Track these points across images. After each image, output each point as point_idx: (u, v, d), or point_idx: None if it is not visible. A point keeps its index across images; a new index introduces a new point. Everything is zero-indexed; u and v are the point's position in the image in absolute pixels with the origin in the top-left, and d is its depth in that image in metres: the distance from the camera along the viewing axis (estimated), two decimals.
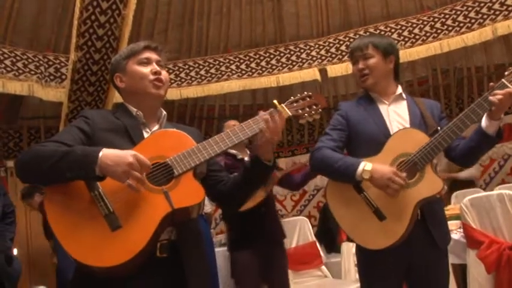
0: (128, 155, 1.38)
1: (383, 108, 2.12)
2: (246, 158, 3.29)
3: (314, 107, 1.70)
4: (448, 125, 1.90)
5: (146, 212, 1.42)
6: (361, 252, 2.05)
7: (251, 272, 3.17)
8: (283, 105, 1.66)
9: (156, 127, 1.72)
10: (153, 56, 1.74)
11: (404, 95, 2.19)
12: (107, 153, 1.38)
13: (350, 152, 2.12)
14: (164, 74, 1.73)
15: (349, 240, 2.05)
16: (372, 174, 1.87)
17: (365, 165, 1.90)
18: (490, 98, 1.84)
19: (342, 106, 2.19)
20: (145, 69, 1.70)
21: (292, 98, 1.72)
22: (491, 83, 1.93)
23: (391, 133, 2.02)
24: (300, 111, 1.69)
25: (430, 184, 1.89)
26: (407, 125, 2.05)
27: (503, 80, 1.89)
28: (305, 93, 1.73)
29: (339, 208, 2.01)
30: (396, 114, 2.11)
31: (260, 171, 1.64)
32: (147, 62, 1.72)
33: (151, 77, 1.69)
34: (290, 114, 1.65)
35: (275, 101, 1.66)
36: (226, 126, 3.41)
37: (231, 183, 1.69)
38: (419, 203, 1.88)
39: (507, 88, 1.85)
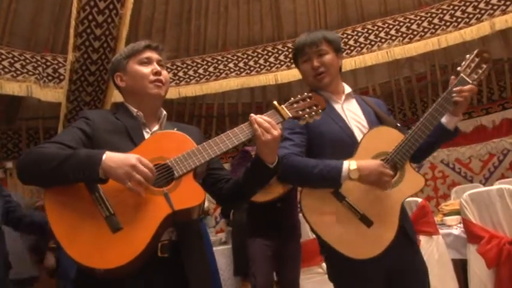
0: (131, 157, 1.38)
1: (338, 107, 1.99)
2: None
3: (314, 107, 1.67)
4: (420, 121, 1.84)
5: (147, 213, 1.42)
6: (335, 262, 1.87)
7: (264, 259, 3.25)
8: (283, 106, 1.65)
9: (156, 127, 1.72)
10: (154, 55, 1.73)
11: (353, 94, 2.07)
12: (110, 156, 1.39)
13: (311, 156, 1.91)
14: (164, 74, 1.73)
15: (327, 252, 1.85)
16: (360, 172, 1.75)
17: (349, 165, 1.76)
18: (455, 99, 1.83)
19: None
20: (146, 69, 1.70)
21: (292, 98, 1.70)
22: (452, 77, 1.90)
23: (354, 133, 1.91)
24: (300, 112, 1.66)
25: (412, 182, 1.83)
26: (365, 124, 1.95)
27: (461, 75, 1.88)
28: (305, 94, 1.71)
29: (321, 222, 1.80)
30: (351, 112, 1.99)
31: (261, 173, 1.62)
32: (148, 61, 1.72)
33: (152, 77, 1.69)
34: (290, 115, 1.64)
35: (275, 102, 1.66)
36: None
37: (232, 183, 1.68)
38: (403, 202, 1.82)
39: (468, 84, 1.85)
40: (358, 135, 1.90)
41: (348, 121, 1.95)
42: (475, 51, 1.91)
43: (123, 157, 1.39)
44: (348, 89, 2.06)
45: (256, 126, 1.55)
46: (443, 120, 1.89)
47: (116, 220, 1.40)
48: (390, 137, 1.85)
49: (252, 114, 1.59)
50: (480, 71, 1.88)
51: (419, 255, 1.94)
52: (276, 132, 1.54)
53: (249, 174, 1.64)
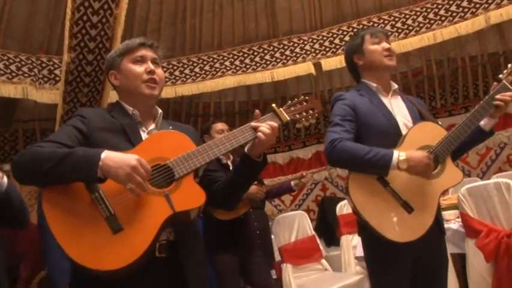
0: (131, 158, 1.37)
1: (386, 101, 2.13)
2: (229, 162, 3.42)
3: (310, 111, 1.75)
4: (464, 120, 1.98)
5: (147, 214, 1.42)
6: (371, 245, 2.01)
7: (232, 271, 3.26)
8: (281, 109, 1.69)
9: (152, 126, 1.72)
10: (148, 53, 1.72)
11: (398, 91, 2.21)
12: (109, 155, 1.38)
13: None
14: (159, 73, 1.72)
15: (366, 233, 1.98)
16: (409, 163, 1.85)
17: (399, 155, 1.87)
18: (497, 103, 1.98)
19: (347, 96, 2.13)
20: (140, 68, 1.68)
21: (289, 102, 1.75)
22: (495, 83, 2.05)
23: (400, 127, 2.03)
24: (298, 115, 1.73)
25: (451, 175, 1.97)
26: (409, 119, 2.08)
27: (504, 81, 2.04)
28: (302, 97, 1.77)
29: (365, 204, 1.91)
30: (397, 108, 2.12)
31: (251, 168, 1.65)
32: (142, 60, 1.70)
33: (145, 76, 1.67)
34: (288, 118, 1.68)
35: (273, 105, 1.69)
36: (214, 128, 3.55)
37: (224, 183, 1.69)
38: (442, 194, 1.95)
39: (509, 90, 2.01)
40: (403, 129, 2.03)
41: (394, 115, 2.08)
42: None
43: (123, 157, 1.38)
44: (394, 85, 2.20)
45: (260, 134, 1.58)
46: (481, 122, 2.04)
47: (116, 221, 1.39)
48: (434, 132, 2.00)
49: (256, 111, 1.65)
50: None
51: (445, 246, 2.07)
52: (275, 137, 1.61)
53: (241, 172, 1.65)
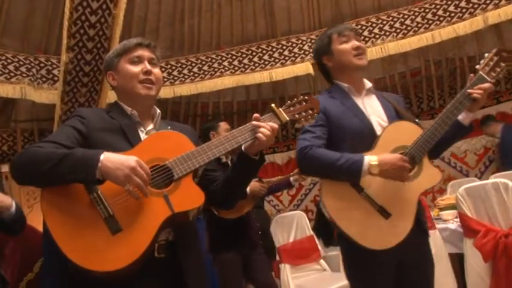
0: (130, 159, 1.37)
1: (358, 101, 2.04)
2: (229, 161, 3.43)
3: (310, 111, 1.74)
4: (439, 116, 1.89)
5: (146, 215, 1.41)
6: (350, 253, 1.92)
7: (236, 270, 3.29)
8: (280, 109, 1.69)
9: (150, 126, 1.72)
10: (145, 53, 1.72)
11: (373, 89, 2.12)
12: (108, 157, 1.37)
13: (331, 148, 1.94)
14: (156, 73, 1.71)
15: (344, 242, 1.90)
16: (381, 167, 1.79)
17: (370, 160, 1.80)
18: (474, 95, 1.88)
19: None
20: (136, 69, 1.68)
21: (288, 102, 1.74)
22: (471, 74, 1.96)
23: (374, 127, 1.95)
24: (297, 115, 1.72)
25: (429, 175, 1.89)
26: (385, 118, 2.00)
27: (480, 72, 1.93)
28: (301, 97, 1.76)
29: (340, 212, 1.85)
30: (371, 107, 2.04)
31: (248, 166, 1.66)
32: (139, 60, 1.70)
33: (142, 76, 1.67)
34: (288, 118, 1.68)
35: (273, 105, 1.69)
36: (222, 127, 3.59)
37: (223, 183, 1.69)
38: (420, 195, 1.88)
39: (487, 82, 1.90)
40: (378, 129, 1.95)
41: (368, 115, 1.99)
42: (494, 50, 1.95)
43: (122, 159, 1.37)
44: (368, 84, 2.12)
45: (260, 134, 1.57)
46: (460, 116, 1.94)
47: (115, 221, 1.39)
48: (409, 132, 1.91)
49: (256, 114, 1.63)
50: (498, 70, 1.93)
51: (429, 247, 1.98)
52: (274, 137, 1.61)
53: (238, 170, 1.65)
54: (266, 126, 1.60)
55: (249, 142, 1.61)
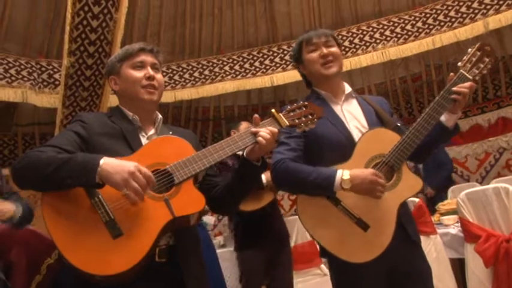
0: (130, 164, 1.37)
1: (337, 108, 1.96)
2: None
3: (310, 116, 1.72)
4: (417, 121, 1.79)
5: (147, 219, 1.41)
6: (339, 267, 1.84)
7: (256, 270, 3.25)
8: (280, 114, 1.68)
9: (152, 131, 1.72)
10: (148, 58, 1.71)
11: (353, 94, 2.04)
12: (108, 161, 1.38)
13: (310, 159, 1.88)
14: (159, 78, 1.72)
15: (327, 256, 1.83)
16: (353, 182, 1.71)
17: (342, 174, 1.72)
18: (454, 96, 1.77)
19: None
20: (139, 74, 1.68)
21: (288, 107, 1.74)
22: (451, 73, 1.84)
23: (352, 135, 1.87)
24: (297, 120, 1.70)
25: (409, 184, 1.79)
26: (365, 124, 1.91)
27: (461, 71, 1.81)
28: (301, 102, 1.76)
29: (317, 227, 1.78)
30: (350, 114, 1.96)
31: (250, 172, 1.65)
32: (141, 65, 1.69)
33: (144, 82, 1.67)
34: (288, 124, 1.67)
35: (273, 110, 1.68)
36: (243, 125, 3.59)
37: (223, 188, 1.69)
38: (401, 205, 1.78)
39: (468, 80, 1.79)
40: (357, 137, 1.87)
41: (346, 123, 1.92)
42: (477, 45, 1.84)
43: (122, 163, 1.38)
44: (348, 88, 2.03)
45: (260, 138, 1.57)
46: (442, 118, 1.83)
47: (116, 225, 1.39)
48: (386, 139, 1.81)
49: (255, 116, 1.63)
50: (482, 65, 1.82)
51: (421, 256, 1.90)
52: (275, 141, 1.61)
53: (240, 176, 1.65)
54: (266, 130, 1.60)
55: (250, 146, 1.61)
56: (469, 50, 1.84)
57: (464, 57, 1.83)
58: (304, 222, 1.80)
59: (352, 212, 1.76)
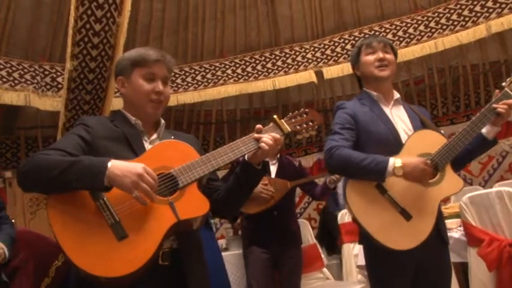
0: (138, 166, 1.38)
1: (387, 110, 2.14)
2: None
3: (310, 123, 1.78)
4: (465, 127, 1.98)
5: (152, 222, 1.43)
6: (372, 252, 2.01)
7: (262, 268, 3.28)
8: (282, 120, 1.73)
9: (154, 136, 1.72)
10: (161, 72, 1.69)
11: (401, 101, 2.22)
12: (115, 164, 1.38)
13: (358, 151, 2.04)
14: (166, 92, 1.71)
15: (366, 241, 1.98)
16: (404, 169, 1.86)
17: (395, 162, 1.87)
18: (498, 110, 1.96)
19: (348, 105, 2.15)
20: (149, 86, 1.67)
21: (290, 113, 1.79)
22: (497, 90, 2.03)
23: (400, 136, 2.04)
24: (298, 127, 1.76)
25: (451, 183, 1.96)
26: (411, 128, 2.09)
27: (506, 89, 2.01)
28: (302, 109, 1.81)
29: (363, 212, 1.93)
30: (398, 117, 2.13)
31: (251, 176, 1.67)
32: (153, 78, 1.68)
33: (153, 96, 1.67)
34: (290, 130, 1.72)
35: (275, 116, 1.73)
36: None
37: (224, 192, 1.70)
38: (442, 201, 1.95)
39: (509, 95, 1.98)
40: (403, 138, 2.04)
41: (394, 123, 2.09)
42: None
43: (129, 166, 1.38)
44: (396, 95, 2.20)
45: (263, 144, 1.60)
46: (484, 130, 2.02)
47: (121, 228, 1.40)
48: (434, 140, 1.99)
49: (258, 126, 1.66)
50: None
51: (448, 257, 2.07)
52: (279, 147, 1.64)
53: (240, 180, 1.66)
54: (268, 137, 1.61)
55: (252, 151, 1.62)
56: None
57: (508, 79, 2.06)
58: (352, 207, 1.94)
59: (398, 202, 1.90)
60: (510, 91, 2.01)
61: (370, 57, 2.14)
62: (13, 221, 3.03)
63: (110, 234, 1.39)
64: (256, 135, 1.63)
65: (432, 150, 1.95)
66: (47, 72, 5.32)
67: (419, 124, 2.13)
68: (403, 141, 2.02)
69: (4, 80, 5.00)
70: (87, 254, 1.36)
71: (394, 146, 1.99)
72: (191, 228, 1.54)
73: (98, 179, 1.36)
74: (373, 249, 1.97)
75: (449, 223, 3.26)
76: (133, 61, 1.69)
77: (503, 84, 2.05)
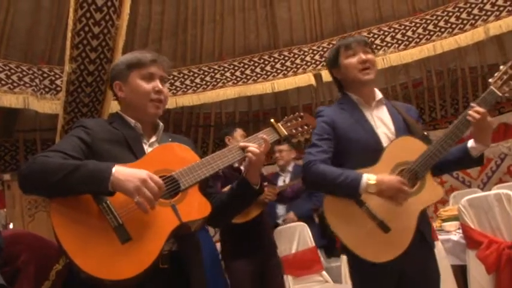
0: (142, 172, 1.38)
1: (367, 114, 2.04)
2: (242, 167, 3.39)
3: (305, 127, 1.80)
4: (445, 133, 1.86)
5: (155, 224, 1.43)
6: (357, 264, 1.93)
7: (247, 280, 3.26)
8: (279, 124, 1.74)
9: (153, 138, 1.72)
10: (158, 71, 1.70)
11: (384, 100, 2.11)
12: (120, 169, 1.39)
13: (339, 161, 1.96)
14: (166, 92, 1.72)
15: (347, 253, 1.93)
16: (378, 187, 1.80)
17: (368, 179, 1.81)
18: (467, 117, 1.81)
19: (326, 112, 2.05)
20: (148, 86, 1.67)
21: (286, 117, 1.80)
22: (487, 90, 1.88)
23: (381, 141, 1.96)
24: (294, 130, 1.78)
25: (431, 192, 1.89)
26: (393, 131, 1.99)
27: (491, 87, 1.84)
28: (297, 113, 1.83)
29: (341, 225, 1.89)
30: (380, 120, 2.03)
31: (247, 194, 1.68)
32: (151, 77, 1.68)
33: (153, 95, 1.67)
34: (286, 133, 1.74)
35: (272, 120, 1.74)
36: (238, 132, 3.63)
37: (218, 202, 1.69)
38: (422, 211, 1.87)
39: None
40: (385, 142, 1.96)
41: (376, 128, 2.00)
42: (510, 63, 1.87)
43: (133, 171, 1.39)
44: (379, 95, 2.10)
45: (250, 155, 1.61)
46: (469, 144, 1.91)
47: (124, 230, 1.40)
48: (414, 148, 1.90)
49: (241, 144, 1.66)
50: None
51: (433, 260, 1.98)
52: (263, 157, 1.64)
53: (235, 195, 1.68)
54: (254, 145, 1.63)
55: (246, 167, 1.65)
56: (501, 67, 1.87)
57: (496, 74, 1.86)
58: (329, 220, 1.90)
59: (375, 214, 1.85)
60: (496, 89, 1.84)
61: (352, 60, 2.02)
62: (11, 225, 3.04)
63: (114, 237, 1.39)
64: (242, 144, 1.64)
65: (412, 158, 1.87)
66: (45, 75, 5.32)
67: (402, 125, 2.02)
68: (384, 146, 1.94)
69: (3, 82, 5.00)
70: (91, 257, 1.36)
71: (375, 152, 1.91)
72: (189, 231, 1.54)
73: (102, 184, 1.36)
74: (355, 260, 1.90)
75: (448, 226, 3.27)
76: (129, 64, 1.70)
77: (490, 80, 1.87)
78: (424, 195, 1.87)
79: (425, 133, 2.00)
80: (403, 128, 2.01)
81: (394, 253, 1.81)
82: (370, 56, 2.03)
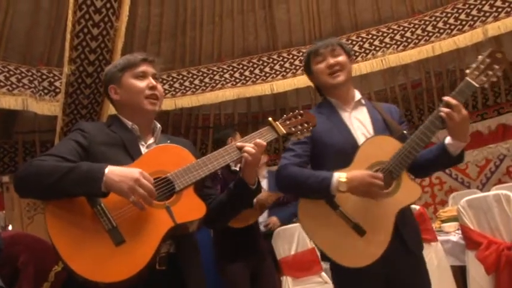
0: (134, 171, 1.38)
1: (345, 116, 2.00)
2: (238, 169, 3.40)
3: (305, 125, 1.77)
4: (419, 128, 1.79)
5: (149, 226, 1.43)
6: (337, 269, 1.88)
7: (242, 281, 3.28)
8: (277, 122, 1.72)
9: (151, 140, 1.73)
10: (149, 69, 1.73)
11: (363, 101, 2.07)
12: (112, 170, 1.39)
13: (316, 165, 1.94)
14: (159, 88, 1.73)
15: (326, 260, 1.89)
16: (349, 184, 1.74)
17: (339, 177, 1.76)
18: (440, 113, 1.74)
19: None
20: (142, 84, 1.69)
21: (285, 116, 1.78)
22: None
23: (358, 143, 1.90)
24: (293, 128, 1.75)
25: (408, 191, 1.81)
26: (372, 132, 1.94)
27: (467, 78, 1.77)
28: (296, 111, 1.80)
29: (315, 229, 1.85)
30: (359, 121, 1.99)
31: (245, 194, 1.68)
32: (143, 75, 1.71)
33: (148, 92, 1.68)
34: (284, 132, 1.72)
35: (270, 119, 1.73)
36: (238, 135, 3.60)
37: (216, 204, 1.70)
38: (399, 212, 1.79)
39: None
40: None
41: (353, 130, 1.96)
42: (487, 52, 1.80)
43: (126, 171, 1.39)
44: (357, 95, 2.06)
45: (246, 154, 1.60)
46: (447, 140, 1.83)
47: (118, 233, 1.40)
48: (387, 146, 1.83)
49: (238, 144, 1.64)
50: (491, 73, 1.76)
51: (421, 268, 1.90)
52: (259, 157, 1.63)
53: (233, 196, 1.67)
54: (250, 145, 1.62)
55: (243, 167, 1.64)
56: (479, 56, 1.80)
57: (473, 64, 1.79)
58: (304, 226, 1.88)
59: (350, 217, 1.79)
60: (472, 80, 1.76)
61: (321, 66, 2.00)
62: (10, 227, 3.03)
63: (108, 240, 1.39)
64: (238, 143, 1.64)
65: (386, 158, 1.80)
66: (44, 77, 5.31)
67: (382, 126, 1.96)
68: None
69: (2, 84, 5.00)
70: (86, 259, 1.35)
71: (352, 155, 1.85)
72: (187, 231, 1.54)
73: (95, 185, 1.37)
74: (335, 265, 1.85)
75: (448, 226, 3.28)
76: (121, 67, 1.73)
77: (467, 71, 1.79)
78: (399, 196, 1.80)
79: (404, 132, 1.93)
80: (383, 128, 1.95)
81: (371, 257, 1.75)
82: (339, 59, 2.00)
